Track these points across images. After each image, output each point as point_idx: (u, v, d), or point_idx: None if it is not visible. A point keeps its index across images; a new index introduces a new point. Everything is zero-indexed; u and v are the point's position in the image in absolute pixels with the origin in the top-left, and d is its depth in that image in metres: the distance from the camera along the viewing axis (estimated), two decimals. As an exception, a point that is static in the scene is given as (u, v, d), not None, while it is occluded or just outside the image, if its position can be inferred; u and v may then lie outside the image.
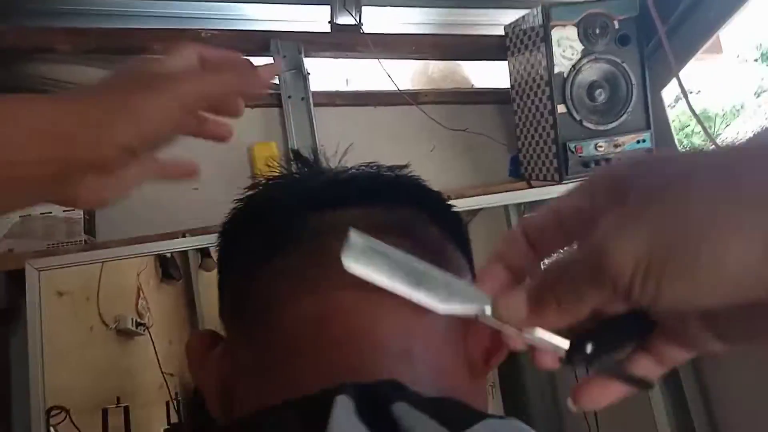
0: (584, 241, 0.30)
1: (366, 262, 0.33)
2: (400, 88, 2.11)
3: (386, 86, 2.20)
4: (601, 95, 1.77)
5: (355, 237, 0.34)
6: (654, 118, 1.78)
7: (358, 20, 1.99)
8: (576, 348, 0.32)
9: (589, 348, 0.32)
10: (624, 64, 1.77)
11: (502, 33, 2.04)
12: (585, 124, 1.74)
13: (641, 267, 0.27)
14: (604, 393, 0.34)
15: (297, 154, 0.53)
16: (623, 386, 0.33)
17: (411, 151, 2.07)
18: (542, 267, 0.35)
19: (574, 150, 1.70)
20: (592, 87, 1.77)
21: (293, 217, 0.46)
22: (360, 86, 2.21)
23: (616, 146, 1.73)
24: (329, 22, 2.06)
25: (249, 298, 0.45)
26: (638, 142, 1.74)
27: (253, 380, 0.42)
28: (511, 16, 2.09)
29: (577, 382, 0.35)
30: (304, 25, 2.05)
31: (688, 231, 0.26)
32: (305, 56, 2.01)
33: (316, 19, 2.05)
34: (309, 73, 2.06)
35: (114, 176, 0.42)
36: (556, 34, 1.73)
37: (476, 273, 0.37)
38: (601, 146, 1.73)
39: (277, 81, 2.09)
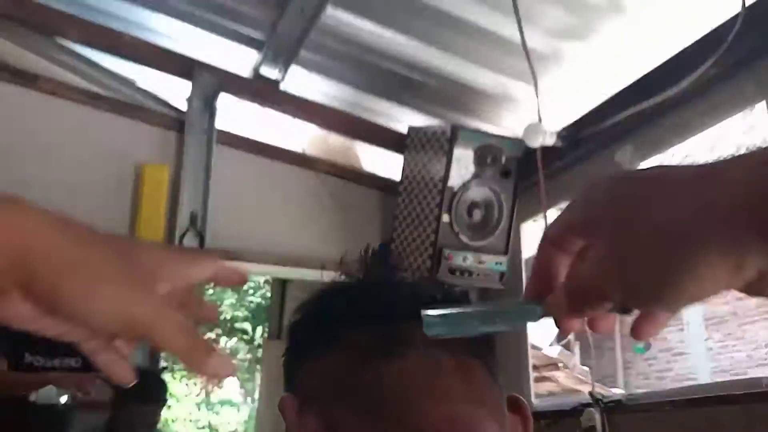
0: (582, 268, 0.39)
1: (442, 329, 0.43)
2: (296, 150, 2.22)
3: (283, 142, 2.30)
4: (477, 215, 2.02)
5: (428, 314, 0.43)
6: (512, 247, 2.06)
7: (282, 77, 2.08)
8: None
9: None
10: (501, 195, 2.04)
11: (403, 131, 2.25)
12: (461, 236, 1.97)
13: (629, 296, 0.37)
14: (654, 322, 0.41)
15: (381, 253, 0.61)
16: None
17: (296, 212, 2.16)
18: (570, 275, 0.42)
19: (447, 257, 1.90)
20: (472, 206, 2.01)
21: (407, 322, 0.52)
22: (259, 137, 2.27)
23: (479, 262, 1.97)
24: (254, 69, 2.12)
25: (371, 389, 0.51)
26: (497, 263, 2.00)
27: None
28: (412, 117, 2.32)
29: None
30: (229, 64, 2.09)
31: (655, 272, 0.34)
32: (222, 93, 2.05)
33: (242, 62, 2.11)
34: (216, 109, 2.09)
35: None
36: (457, 152, 1.96)
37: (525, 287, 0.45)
38: (467, 259, 1.96)
39: (184, 107, 2.09)
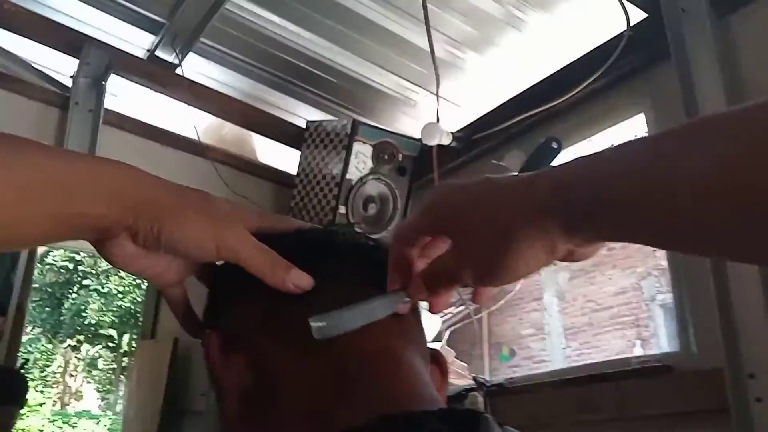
0: (439, 258, 0.50)
1: (330, 331, 0.48)
2: (190, 137, 2.15)
3: (177, 128, 2.22)
4: (373, 209, 2.05)
5: (314, 323, 0.48)
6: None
7: (179, 61, 2.01)
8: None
9: None
10: (396, 190, 2.09)
11: (300, 125, 2.25)
12: (356, 228, 1.99)
13: (473, 280, 0.48)
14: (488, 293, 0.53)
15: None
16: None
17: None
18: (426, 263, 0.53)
19: (343, 248, 1.92)
20: (368, 200, 2.05)
21: (338, 260, 0.56)
22: (152, 120, 2.18)
23: (375, 255, 2.01)
24: (147, 50, 2.04)
25: (298, 320, 0.49)
26: (391, 257, 2.04)
27: (308, 393, 0.48)
28: (310, 113, 2.33)
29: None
30: (123, 44, 1.99)
31: (493, 257, 0.45)
32: (113, 73, 1.94)
33: (137, 44, 2.02)
34: (106, 89, 1.98)
35: (145, 255, 0.51)
36: (356, 146, 1.99)
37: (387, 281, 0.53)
38: (363, 251, 1.99)
39: (67, 82, 1.96)
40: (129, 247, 0.49)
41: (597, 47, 1.72)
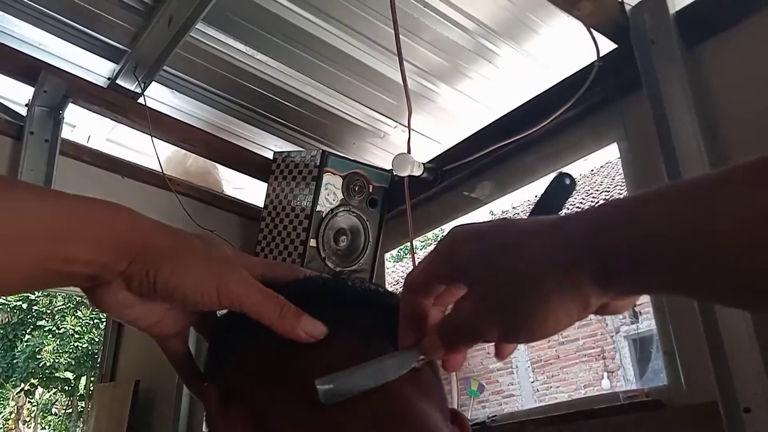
0: (457, 311, 0.45)
1: (338, 394, 0.44)
2: (152, 168, 2.08)
3: (139, 159, 2.14)
4: (344, 241, 2.00)
5: (321, 385, 0.44)
6: (376, 274, 2.06)
7: (141, 90, 1.95)
8: None
9: None
10: (368, 222, 2.04)
11: (267, 156, 2.19)
12: (327, 261, 1.93)
13: (498, 336, 0.43)
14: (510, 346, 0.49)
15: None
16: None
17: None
18: (440, 315, 0.49)
19: (313, 283, 1.85)
20: (339, 233, 1.99)
21: (356, 308, 0.52)
22: (111, 151, 2.10)
23: (346, 290, 1.94)
24: (108, 78, 1.97)
25: (307, 374, 0.45)
26: (363, 291, 1.98)
27: None
28: (278, 144, 2.28)
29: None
30: (83, 72, 1.92)
31: (521, 314, 0.40)
32: (71, 101, 1.86)
33: (98, 72, 1.94)
34: (63, 118, 1.90)
35: (137, 304, 0.47)
36: (326, 178, 1.95)
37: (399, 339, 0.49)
38: (334, 286, 1.92)
39: (23, 111, 1.88)
40: (122, 294, 0.46)
41: (567, 77, 1.72)
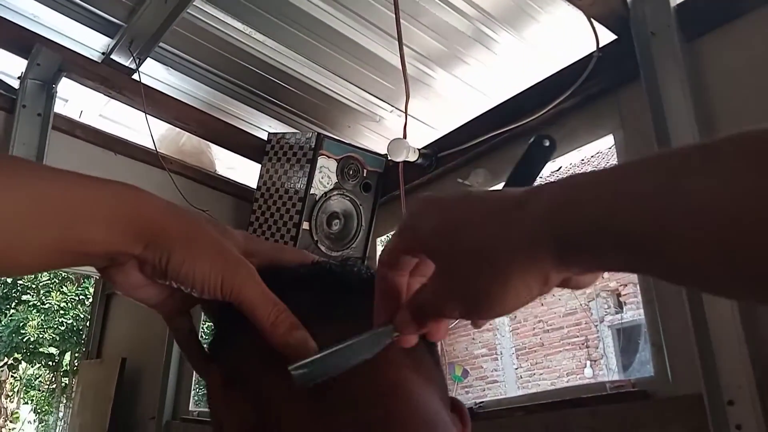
0: (423, 288, 0.45)
1: (314, 377, 0.44)
2: (146, 146, 2.06)
3: (132, 136, 2.13)
4: (337, 225, 2.00)
5: (294, 370, 0.44)
6: (368, 259, 2.07)
7: (136, 66, 1.92)
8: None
9: None
10: (361, 207, 2.04)
11: (261, 136, 2.18)
12: (319, 245, 1.93)
13: (461, 313, 0.42)
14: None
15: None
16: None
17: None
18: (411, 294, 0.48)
19: (305, 265, 1.86)
20: (332, 216, 1.99)
21: (362, 294, 0.51)
22: (104, 127, 2.08)
23: (337, 273, 1.95)
24: (102, 53, 1.94)
25: None
26: (354, 275, 1.98)
27: None
28: (272, 124, 2.26)
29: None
30: (77, 46, 1.89)
31: (481, 291, 0.40)
32: (65, 75, 1.84)
33: (91, 45, 1.92)
34: (56, 92, 1.87)
35: (149, 284, 0.48)
36: (321, 161, 1.94)
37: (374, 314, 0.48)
38: (325, 269, 1.92)
39: (16, 84, 1.85)
40: (134, 276, 0.47)
41: (566, 67, 1.72)
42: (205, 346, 0.54)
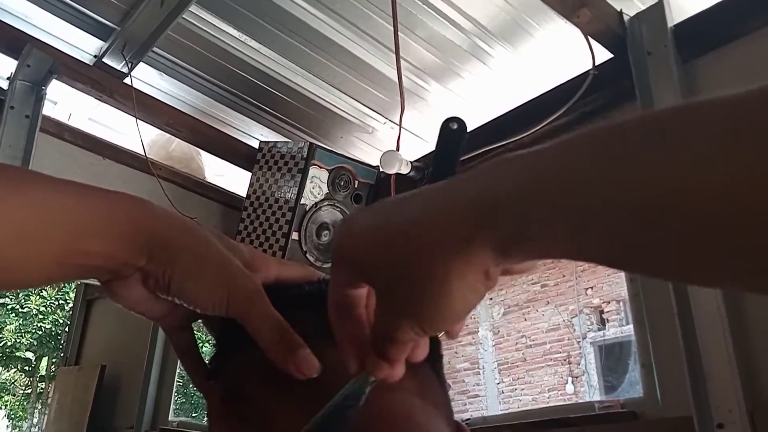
0: (375, 324, 0.41)
1: None
2: (135, 151, 2.04)
3: (121, 141, 2.10)
4: (326, 236, 1.98)
5: None
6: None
7: (128, 70, 1.90)
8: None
9: None
10: (351, 218, 2.02)
11: (253, 144, 2.16)
12: (308, 255, 1.91)
13: (413, 332, 0.38)
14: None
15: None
16: None
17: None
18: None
19: (294, 276, 1.83)
20: (321, 227, 1.97)
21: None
22: (93, 131, 2.05)
23: (326, 285, 1.93)
24: (94, 56, 1.92)
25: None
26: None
27: None
28: (263, 133, 2.25)
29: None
30: (69, 48, 1.87)
31: (426, 304, 0.37)
32: (55, 78, 1.81)
33: (83, 48, 1.89)
34: (45, 94, 1.84)
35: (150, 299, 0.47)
36: (312, 171, 1.92)
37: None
38: (314, 280, 1.90)
39: (4, 85, 1.82)
40: (137, 289, 0.46)
41: (561, 84, 1.72)
42: (206, 360, 0.53)
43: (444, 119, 0.48)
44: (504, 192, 0.34)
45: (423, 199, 0.38)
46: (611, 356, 9.01)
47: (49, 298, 11.12)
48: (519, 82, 1.92)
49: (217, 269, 0.46)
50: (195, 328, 0.54)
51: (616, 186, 0.29)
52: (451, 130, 0.47)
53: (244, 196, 2.09)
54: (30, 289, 11.29)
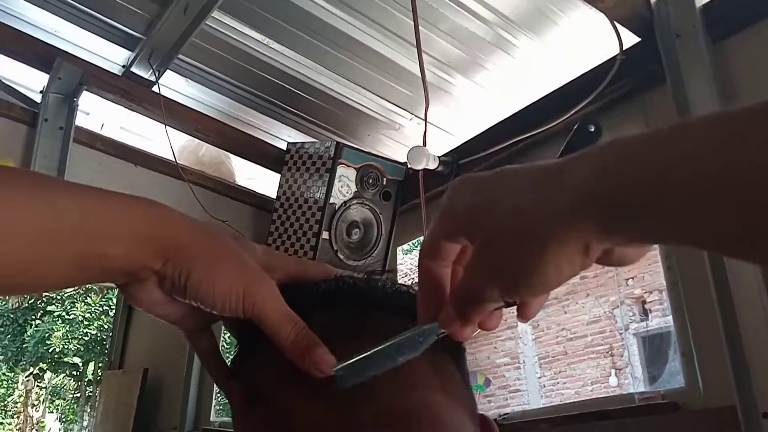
0: (468, 270, 0.42)
1: (356, 378, 0.43)
2: (165, 157, 2.07)
3: (152, 148, 2.13)
4: (357, 234, 1.98)
5: (337, 370, 0.43)
6: (388, 268, 2.04)
7: (156, 78, 1.93)
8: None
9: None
10: (381, 215, 2.02)
11: (280, 146, 2.18)
12: (339, 254, 1.92)
13: (502, 294, 0.40)
14: (537, 301, 0.45)
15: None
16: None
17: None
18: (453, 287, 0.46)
19: (325, 275, 1.84)
20: (352, 225, 1.97)
21: (386, 309, 0.51)
22: (125, 139, 2.09)
23: (358, 283, 1.93)
24: (122, 66, 1.96)
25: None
26: (375, 285, 1.97)
27: None
28: (291, 134, 2.26)
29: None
30: (97, 59, 1.91)
31: (519, 266, 0.38)
32: (86, 89, 1.85)
33: (112, 60, 1.93)
34: (77, 105, 1.89)
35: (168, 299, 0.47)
36: (340, 170, 1.92)
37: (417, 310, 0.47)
38: (346, 279, 1.91)
39: (38, 98, 1.87)
40: (155, 293, 0.46)
41: (588, 71, 1.68)
42: (228, 361, 0.54)
43: (580, 121, 0.48)
44: (620, 169, 0.34)
45: (538, 169, 0.39)
46: (654, 347, 8.82)
47: (93, 305, 11.42)
48: (545, 71, 1.89)
49: (232, 271, 0.46)
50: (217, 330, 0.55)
51: (753, 169, 0.29)
52: (589, 132, 0.48)
53: (274, 197, 2.11)
54: (75, 296, 11.60)
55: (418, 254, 0.46)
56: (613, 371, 9.35)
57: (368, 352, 0.43)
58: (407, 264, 9.19)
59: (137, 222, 0.44)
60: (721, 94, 1.40)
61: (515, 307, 0.44)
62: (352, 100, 2.11)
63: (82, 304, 11.61)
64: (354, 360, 0.43)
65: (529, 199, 0.38)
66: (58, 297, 11.72)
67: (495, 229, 0.39)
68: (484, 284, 0.40)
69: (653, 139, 0.34)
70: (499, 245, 0.39)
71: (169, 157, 2.02)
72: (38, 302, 11.82)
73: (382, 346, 0.43)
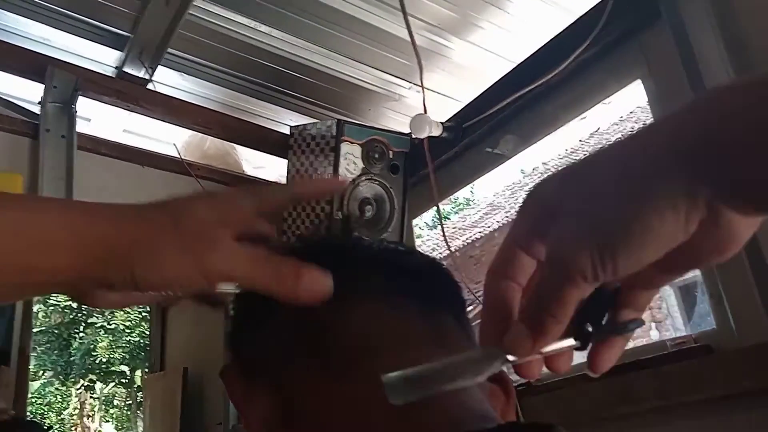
0: (547, 259, 0.37)
1: (408, 393, 0.38)
2: (170, 155, 2.07)
3: (155, 147, 2.13)
4: (369, 211, 1.96)
5: (389, 380, 0.38)
6: (405, 242, 2.02)
7: (149, 76, 1.92)
8: (582, 335, 0.38)
9: (589, 328, 0.38)
10: (392, 189, 2.00)
11: (284, 131, 2.16)
12: (355, 233, 1.89)
13: (596, 259, 0.33)
14: (613, 350, 0.40)
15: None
16: (623, 339, 0.40)
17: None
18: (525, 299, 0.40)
19: (341, 254, 1.83)
20: (363, 202, 1.95)
21: (376, 269, 0.49)
22: (129, 142, 2.09)
23: (374, 259, 1.91)
24: (115, 68, 1.95)
25: (327, 338, 0.45)
26: (392, 259, 1.95)
27: (345, 422, 0.42)
28: (293, 118, 2.24)
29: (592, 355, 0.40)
30: (89, 63, 1.90)
31: (619, 218, 0.33)
32: (81, 94, 1.85)
33: (104, 62, 1.92)
34: (76, 111, 1.88)
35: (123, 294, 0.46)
36: (344, 148, 1.90)
37: (479, 330, 0.41)
38: (362, 256, 1.89)
39: (37, 110, 1.87)
40: (111, 294, 0.44)
41: (581, 16, 1.63)
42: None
43: None
44: (730, 125, 0.31)
45: (634, 134, 0.35)
46: (692, 296, 8.69)
47: (133, 313, 11.64)
48: (540, 22, 1.83)
49: (176, 248, 0.42)
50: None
51: None
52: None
53: (284, 183, 2.09)
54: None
55: (486, 272, 0.40)
56: (653, 324, 9.22)
57: (423, 367, 0.39)
58: (432, 240, 9.14)
59: (64, 231, 0.41)
60: (721, 23, 1.34)
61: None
62: (349, 75, 2.08)
63: (123, 312, 11.85)
64: (405, 373, 0.38)
65: (619, 162, 0.34)
66: (98, 309, 11.96)
67: (594, 182, 0.35)
68: (576, 250, 0.34)
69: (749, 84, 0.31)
70: (594, 205, 0.34)
71: (175, 154, 2.01)
72: (79, 315, 12.09)
73: (442, 363, 0.39)
